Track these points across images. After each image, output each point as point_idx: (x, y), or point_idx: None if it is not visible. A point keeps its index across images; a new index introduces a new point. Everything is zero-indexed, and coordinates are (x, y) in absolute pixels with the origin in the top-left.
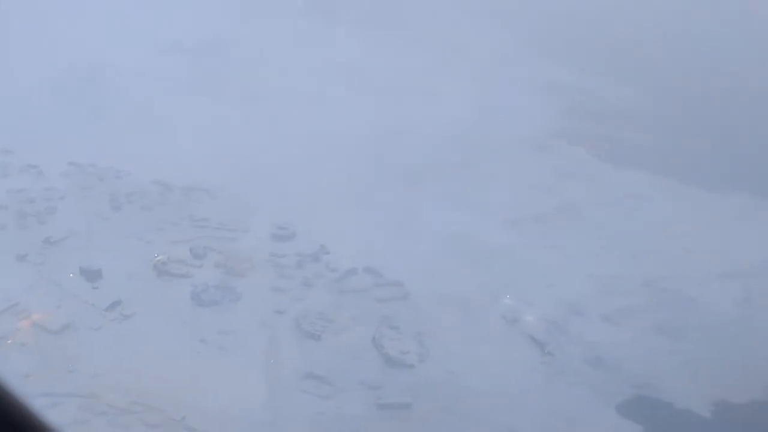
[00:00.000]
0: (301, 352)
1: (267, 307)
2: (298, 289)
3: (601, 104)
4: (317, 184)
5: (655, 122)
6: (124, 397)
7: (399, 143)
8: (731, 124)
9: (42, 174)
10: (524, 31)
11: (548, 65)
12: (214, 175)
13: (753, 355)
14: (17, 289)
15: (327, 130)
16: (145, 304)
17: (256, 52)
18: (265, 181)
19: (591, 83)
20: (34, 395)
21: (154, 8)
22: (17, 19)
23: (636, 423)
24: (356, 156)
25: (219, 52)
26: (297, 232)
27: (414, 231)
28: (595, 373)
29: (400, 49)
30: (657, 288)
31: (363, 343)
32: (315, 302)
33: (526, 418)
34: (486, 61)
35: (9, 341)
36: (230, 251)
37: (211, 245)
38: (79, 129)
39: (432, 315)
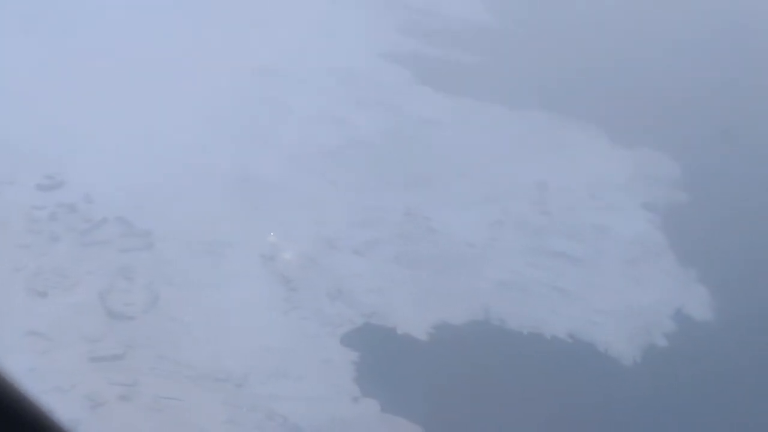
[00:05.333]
0: (27, 310)
1: (5, 266)
2: (43, 244)
3: (444, 22)
4: (102, 125)
5: (497, 41)
6: None
7: (202, 77)
8: (575, 47)
9: None
10: None
11: None
12: None
13: (480, 277)
14: None
15: (132, 64)
16: None
17: None
18: (45, 124)
19: None
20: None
21: None
22: None
23: (355, 351)
24: (152, 93)
25: None
26: (66, 180)
27: (193, 172)
28: (332, 305)
29: None
30: (416, 217)
31: (90, 298)
32: (55, 257)
33: (240, 356)
34: None
35: None
36: None
37: None
38: None
39: (178, 262)
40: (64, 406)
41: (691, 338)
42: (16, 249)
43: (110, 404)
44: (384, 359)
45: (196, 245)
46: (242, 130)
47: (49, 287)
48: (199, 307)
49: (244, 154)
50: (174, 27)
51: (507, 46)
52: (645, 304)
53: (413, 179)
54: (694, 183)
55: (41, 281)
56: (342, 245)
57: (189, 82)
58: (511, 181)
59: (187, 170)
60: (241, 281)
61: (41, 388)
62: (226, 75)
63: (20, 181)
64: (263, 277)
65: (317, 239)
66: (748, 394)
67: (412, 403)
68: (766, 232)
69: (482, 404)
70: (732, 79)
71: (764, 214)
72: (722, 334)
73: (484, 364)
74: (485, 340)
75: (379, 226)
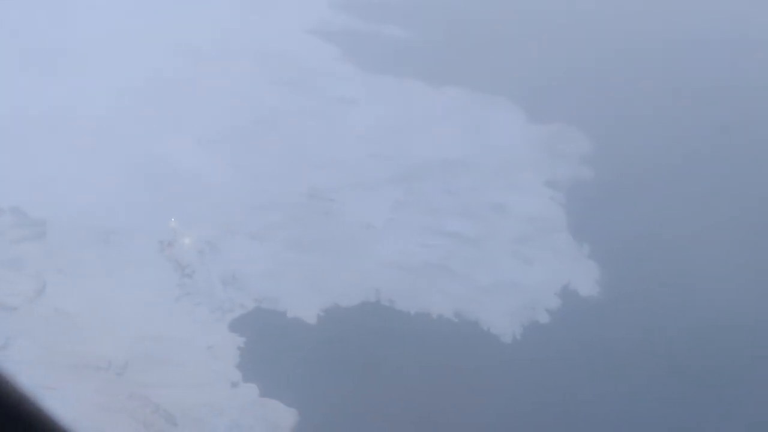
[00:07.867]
0: None
1: None
2: None
3: None
4: (8, 112)
5: (434, 15)
6: None
7: (112, 58)
8: (511, 23)
9: None
10: None
11: None
12: None
13: (373, 259)
14: None
15: (37, 45)
16: None
17: None
18: None
19: None
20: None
21: None
22: None
23: (241, 336)
24: (56, 77)
25: None
26: None
27: (95, 159)
28: (224, 290)
29: None
30: (320, 199)
31: None
32: None
33: (124, 344)
34: None
35: None
36: None
37: None
38: None
39: (71, 251)
40: None
41: (574, 314)
42: None
43: None
44: (270, 344)
45: (92, 233)
46: (150, 114)
47: None
48: (87, 296)
49: (151, 138)
50: (87, 5)
51: (444, 19)
52: (531, 282)
53: (322, 160)
54: (603, 161)
55: None
56: (241, 230)
57: (97, 63)
58: (420, 161)
59: (89, 157)
60: (135, 269)
61: None
62: (140, 55)
63: None
64: (159, 264)
65: (217, 224)
66: (625, 367)
67: (292, 386)
68: (665, 209)
69: (363, 384)
70: (652, 53)
71: (666, 192)
72: (606, 310)
73: (369, 345)
74: (374, 321)
75: (280, 210)
